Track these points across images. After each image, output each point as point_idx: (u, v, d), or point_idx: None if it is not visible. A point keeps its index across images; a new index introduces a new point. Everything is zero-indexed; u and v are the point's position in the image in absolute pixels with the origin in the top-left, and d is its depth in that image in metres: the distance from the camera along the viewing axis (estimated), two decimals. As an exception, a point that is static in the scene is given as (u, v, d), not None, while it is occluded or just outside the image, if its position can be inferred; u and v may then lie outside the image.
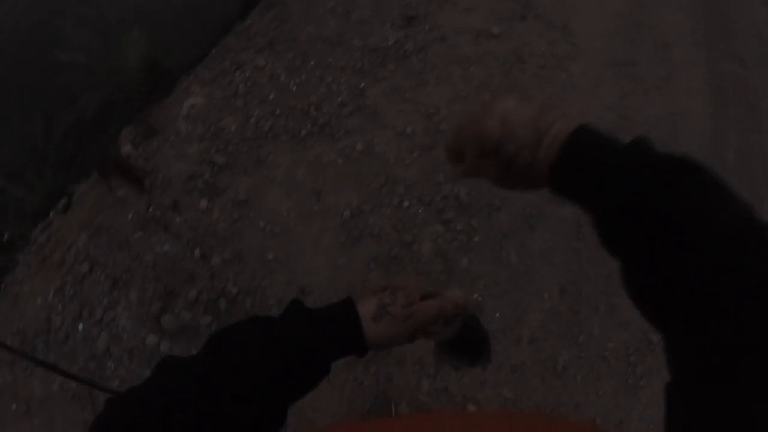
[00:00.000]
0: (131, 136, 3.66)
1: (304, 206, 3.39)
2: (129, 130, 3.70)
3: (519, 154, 0.72)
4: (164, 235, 3.32)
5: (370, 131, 3.64)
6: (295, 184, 3.46)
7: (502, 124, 0.73)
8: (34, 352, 3.02)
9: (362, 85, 3.84)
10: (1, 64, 4.46)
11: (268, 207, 3.39)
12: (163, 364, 0.70)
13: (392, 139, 3.59)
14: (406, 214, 3.35)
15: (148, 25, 4.15)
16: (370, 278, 3.18)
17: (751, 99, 4.91)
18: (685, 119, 4.29)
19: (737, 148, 4.35)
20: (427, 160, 3.51)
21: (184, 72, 4.06)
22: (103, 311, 3.10)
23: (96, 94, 3.94)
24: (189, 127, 3.70)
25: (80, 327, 3.06)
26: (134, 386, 0.65)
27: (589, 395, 2.94)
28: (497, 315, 3.10)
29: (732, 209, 0.59)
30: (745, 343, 0.49)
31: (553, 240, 3.31)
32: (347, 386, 2.85)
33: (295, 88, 3.83)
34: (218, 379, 0.67)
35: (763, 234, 0.55)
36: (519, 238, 3.31)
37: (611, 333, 3.11)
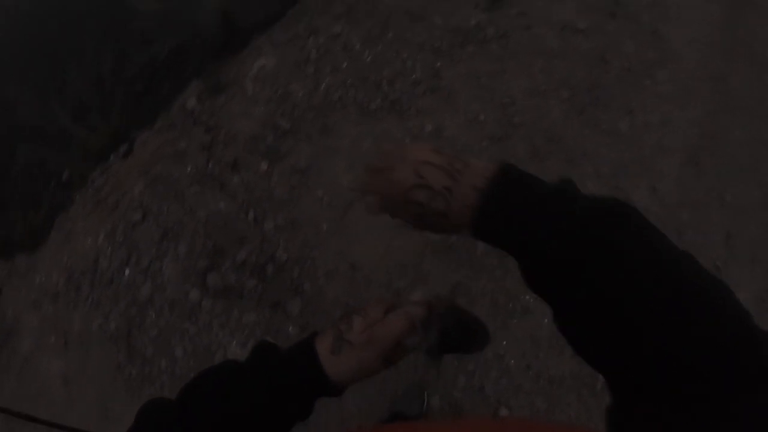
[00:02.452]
0: (199, 89, 3.62)
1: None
2: (197, 82, 3.66)
3: (432, 203, 0.71)
4: (220, 193, 3.27)
5: (441, 113, 3.50)
6: (359, 157, 3.34)
7: (414, 174, 0.72)
8: (79, 289, 3.01)
9: (438, 64, 3.70)
10: (73, 3, 4.51)
11: (329, 177, 3.29)
12: (145, 410, 0.71)
13: (463, 125, 3.44)
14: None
15: None
16: (423, 264, 3.04)
17: None
18: None
19: None
20: (497, 150, 3.34)
21: (258, 30, 4.01)
22: (150, 260, 3.07)
23: (169, 41, 3.94)
24: (257, 87, 3.64)
25: (126, 272, 3.04)
26: None
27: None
28: (545, 321, 2.93)
29: (658, 258, 0.58)
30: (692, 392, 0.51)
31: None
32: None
33: (369, 59, 3.72)
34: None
35: (688, 283, 0.56)
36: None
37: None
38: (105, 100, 3.70)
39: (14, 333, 3.11)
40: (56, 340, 2.94)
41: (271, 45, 3.86)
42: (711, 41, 4.37)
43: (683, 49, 4.13)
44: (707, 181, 3.46)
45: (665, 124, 3.57)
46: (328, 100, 3.57)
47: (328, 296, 2.87)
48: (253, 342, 2.22)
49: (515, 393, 2.70)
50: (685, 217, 3.24)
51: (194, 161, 3.37)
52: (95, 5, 4.58)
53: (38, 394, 2.93)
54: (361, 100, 3.56)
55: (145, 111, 3.67)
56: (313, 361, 0.72)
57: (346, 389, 0.75)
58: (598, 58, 3.80)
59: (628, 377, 0.58)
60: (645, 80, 3.79)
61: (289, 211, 3.19)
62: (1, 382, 3.07)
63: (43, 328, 3.01)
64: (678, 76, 3.91)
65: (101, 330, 2.91)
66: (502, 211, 0.66)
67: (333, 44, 3.81)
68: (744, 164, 3.63)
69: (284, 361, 0.73)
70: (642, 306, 0.55)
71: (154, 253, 3.08)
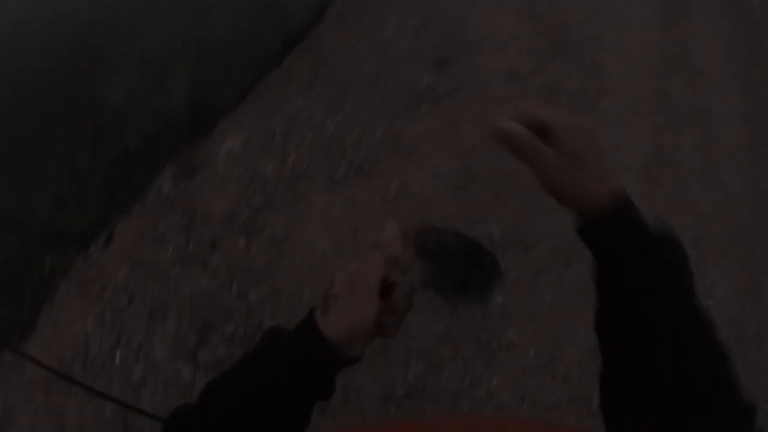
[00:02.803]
0: (172, 173, 3.78)
1: (340, 243, 3.43)
2: (171, 167, 3.82)
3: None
4: (202, 271, 3.37)
5: (405, 172, 3.71)
6: (332, 222, 3.51)
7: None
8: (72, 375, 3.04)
9: (397, 125, 3.96)
10: (51, 95, 4.69)
11: (305, 244, 3.43)
12: (169, 418, 0.74)
13: (426, 180, 3.65)
14: (440, 252, 3.36)
15: (190, 64, 4.39)
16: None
17: None
18: (722, 150, 4.33)
19: None
20: (462, 198, 3.56)
21: (224, 112, 4.24)
22: (140, 341, 3.12)
23: (140, 129, 4.11)
24: (228, 167, 3.81)
25: (117, 354, 3.09)
26: None
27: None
28: (532, 352, 3.07)
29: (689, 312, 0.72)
30: None
31: (588, 276, 3.28)
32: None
33: (331, 129, 3.96)
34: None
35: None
36: (554, 275, 3.30)
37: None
38: (82, 191, 3.82)
39: (8, 425, 3.09)
40: (52, 430, 2.93)
41: (238, 126, 4.08)
42: (650, 62, 4.77)
43: (624, 75, 4.55)
44: (665, 192, 3.75)
45: (617, 147, 3.89)
46: (296, 172, 3.76)
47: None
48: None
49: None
50: None
51: (174, 243, 3.48)
52: (67, 98, 4.76)
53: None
54: (327, 169, 3.76)
55: (122, 199, 3.80)
56: (312, 327, 0.70)
57: (359, 353, 0.73)
58: (545, 96, 4.11)
59: (629, 376, 0.71)
60: (591, 111, 4.15)
61: (271, 282, 3.30)
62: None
63: (38, 419, 3.00)
64: (622, 100, 4.30)
65: (97, 415, 2.92)
66: (635, 222, 0.76)
67: (296, 118, 4.05)
68: (698, 170, 3.97)
69: (289, 337, 0.73)
70: (668, 338, 0.69)
71: (143, 334, 3.14)
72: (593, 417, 2.85)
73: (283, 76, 4.50)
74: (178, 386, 2.98)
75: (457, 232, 0.77)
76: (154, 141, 4.08)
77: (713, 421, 0.64)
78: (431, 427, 0.70)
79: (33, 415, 3.04)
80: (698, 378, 0.66)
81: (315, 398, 0.73)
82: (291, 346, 0.72)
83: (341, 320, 0.70)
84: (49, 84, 4.98)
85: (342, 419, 2.74)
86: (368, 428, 0.89)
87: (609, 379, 0.77)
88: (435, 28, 4.70)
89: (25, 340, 3.31)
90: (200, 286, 3.31)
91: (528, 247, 3.39)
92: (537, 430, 0.77)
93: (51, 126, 4.39)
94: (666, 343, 0.68)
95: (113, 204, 3.79)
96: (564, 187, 0.74)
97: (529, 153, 0.73)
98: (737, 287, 3.43)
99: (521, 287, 3.26)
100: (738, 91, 4.99)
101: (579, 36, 4.83)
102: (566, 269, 3.32)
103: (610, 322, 0.78)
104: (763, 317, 3.40)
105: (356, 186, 3.67)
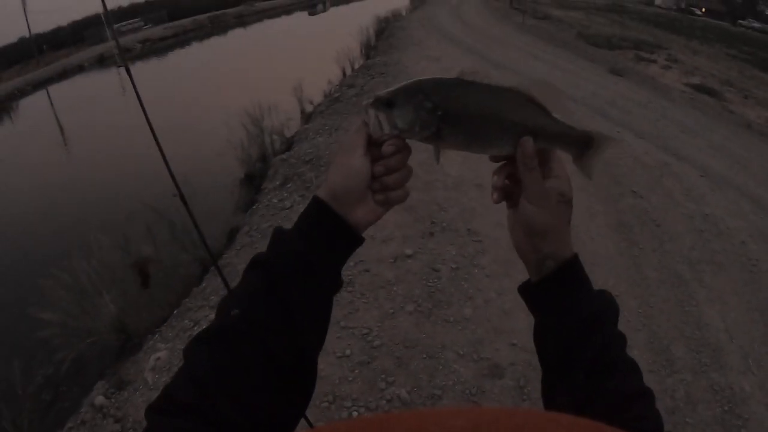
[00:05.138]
0: (104, 387, 4.01)
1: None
2: (102, 382, 4.06)
3: None
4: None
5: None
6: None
7: None
8: None
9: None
10: None
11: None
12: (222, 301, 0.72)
13: (334, 363, 3.96)
14: (354, 424, 3.58)
15: (117, 290, 4.85)
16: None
17: (655, 217, 5.96)
18: (600, 264, 5.05)
19: (657, 265, 5.09)
20: (368, 373, 3.87)
21: (149, 331, 4.66)
22: None
23: (71, 349, 4.38)
24: (155, 377, 4.06)
25: None
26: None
27: None
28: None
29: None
30: None
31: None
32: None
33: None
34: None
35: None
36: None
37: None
38: (16, 410, 3.95)
39: None
40: None
41: (163, 340, 4.43)
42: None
43: (494, 232, 5.29)
44: None
45: (501, 294, 4.45)
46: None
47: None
48: None
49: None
50: None
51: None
52: (2, 315, 5.05)
53: None
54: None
55: (55, 415, 3.96)
56: (311, 202, 0.75)
57: (362, 218, 0.76)
58: (430, 270, 4.69)
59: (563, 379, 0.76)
60: (473, 269, 4.77)
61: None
62: None
63: None
64: (498, 254, 4.97)
65: None
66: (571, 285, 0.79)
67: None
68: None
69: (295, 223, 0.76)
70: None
71: None
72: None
73: (201, 294, 4.99)
74: None
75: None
76: (85, 360, 4.34)
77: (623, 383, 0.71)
78: (434, 417, 0.76)
79: None
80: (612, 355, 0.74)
81: (328, 277, 0.74)
82: (297, 225, 0.75)
83: (336, 175, 0.74)
84: None
85: None
86: (369, 421, 0.90)
87: (546, 375, 0.82)
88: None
89: None
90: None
91: (436, 398, 3.65)
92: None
93: None
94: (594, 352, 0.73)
95: (47, 421, 3.93)
96: (548, 223, 0.78)
97: (536, 174, 0.76)
98: (651, 367, 3.91)
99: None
100: (602, 210, 6.03)
101: (452, 213, 5.71)
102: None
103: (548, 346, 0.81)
104: (686, 380, 3.87)
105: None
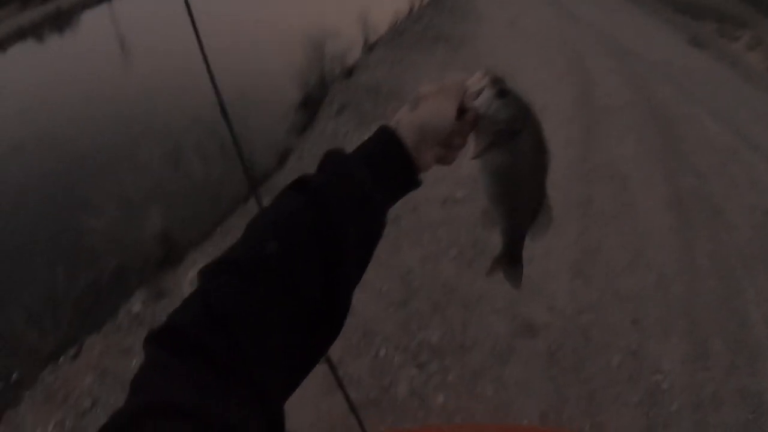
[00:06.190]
0: (143, 296, 4.11)
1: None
2: (141, 291, 4.16)
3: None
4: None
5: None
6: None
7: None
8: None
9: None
10: (32, 220, 5.12)
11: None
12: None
13: (370, 299, 3.97)
14: (383, 361, 3.59)
15: (164, 202, 4.94)
16: (350, 421, 3.32)
17: (715, 203, 5.54)
18: (651, 239, 4.78)
19: (710, 252, 4.80)
20: (402, 313, 3.87)
21: (192, 245, 4.71)
22: (98, 446, 3.22)
23: (114, 257, 4.49)
24: (192, 290, 4.13)
25: (73, 457, 3.17)
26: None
27: None
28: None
29: None
30: None
31: (527, 371, 3.51)
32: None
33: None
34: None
35: None
36: (493, 373, 3.50)
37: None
38: (56, 310, 4.11)
39: None
40: None
41: (205, 256, 4.49)
42: (573, 175, 5.31)
43: (551, 190, 5.05)
44: (598, 284, 4.11)
45: (546, 254, 4.30)
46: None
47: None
48: None
49: None
50: (585, 319, 3.81)
51: (139, 356, 3.68)
52: (50, 223, 5.22)
53: None
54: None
55: (94, 318, 4.09)
56: (385, 129, 0.74)
57: (425, 163, 0.76)
58: (478, 217, 4.59)
59: None
60: None
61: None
62: None
63: None
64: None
65: None
66: None
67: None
68: (627, 260, 4.36)
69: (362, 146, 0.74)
70: None
71: (102, 437, 3.24)
72: None
73: (246, 213, 4.96)
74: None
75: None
76: (128, 268, 4.45)
77: None
78: None
79: None
80: None
81: (382, 214, 0.70)
82: (360, 152, 0.73)
83: (424, 113, 0.74)
84: (35, 208, 5.49)
85: None
86: None
87: None
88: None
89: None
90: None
91: (466, 349, 3.63)
92: None
93: (31, 247, 4.80)
94: None
95: (85, 323, 4.06)
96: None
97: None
98: (685, 357, 3.69)
99: (461, 387, 3.44)
100: (661, 183, 5.64)
101: None
102: (505, 366, 3.54)
103: None
104: (717, 378, 3.62)
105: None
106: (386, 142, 0.73)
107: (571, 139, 6.13)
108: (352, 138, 6.13)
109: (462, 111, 0.78)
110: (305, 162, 5.83)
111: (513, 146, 0.80)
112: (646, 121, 7.14)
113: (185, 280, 4.25)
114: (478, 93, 0.78)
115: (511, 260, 0.96)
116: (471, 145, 0.82)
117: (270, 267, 0.58)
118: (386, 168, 0.71)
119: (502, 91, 0.78)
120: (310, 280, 0.60)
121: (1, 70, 14.10)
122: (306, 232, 0.61)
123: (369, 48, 10.17)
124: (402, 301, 3.94)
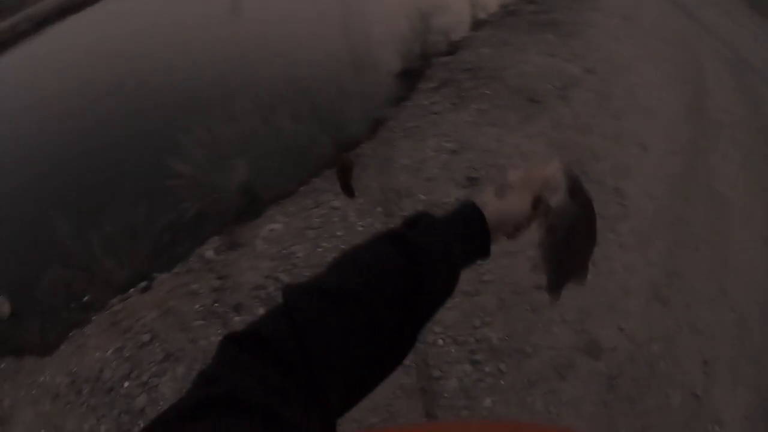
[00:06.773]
0: (216, 243, 4.21)
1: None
2: (216, 238, 4.26)
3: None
4: (222, 329, 3.63)
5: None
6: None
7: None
8: (79, 393, 3.24)
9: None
10: (123, 156, 5.32)
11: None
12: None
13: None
14: (439, 351, 3.51)
15: (251, 156, 5.00)
16: (395, 404, 3.29)
17: None
18: (740, 275, 4.42)
19: None
20: (468, 305, 3.76)
21: (273, 201, 4.76)
22: (149, 377, 3.34)
23: (196, 202, 4.61)
24: (265, 246, 4.19)
25: (126, 384, 3.29)
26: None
27: None
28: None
29: None
30: None
31: (583, 390, 3.35)
32: None
33: (361, 228, 4.32)
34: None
35: None
36: (548, 386, 3.35)
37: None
38: (134, 243, 4.28)
39: (6, 422, 3.27)
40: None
41: (283, 213, 4.54)
42: (672, 189, 4.99)
43: (643, 201, 4.76)
44: (675, 313, 3.81)
45: (628, 269, 4.04)
46: (323, 261, 4.09)
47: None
48: None
49: None
50: (656, 349, 3.55)
51: (203, 301, 3.79)
52: (140, 158, 5.41)
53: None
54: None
55: (168, 257, 4.24)
56: (473, 207, 0.87)
57: (497, 241, 0.89)
58: None
59: None
60: (608, 234, 4.34)
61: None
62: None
63: (37, 423, 3.18)
64: (639, 225, 4.49)
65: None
66: None
67: (332, 215, 4.46)
68: (711, 293, 4.04)
69: (447, 215, 0.86)
70: None
71: (154, 371, 3.36)
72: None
73: (330, 177, 4.99)
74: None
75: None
76: (207, 214, 4.56)
77: None
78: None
79: (32, 421, 3.22)
80: None
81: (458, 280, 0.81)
82: (453, 223, 0.84)
83: (508, 205, 0.89)
84: (127, 145, 5.71)
85: None
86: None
87: None
88: (469, 152, 5.19)
89: (48, 354, 3.58)
90: (217, 342, 3.53)
91: (525, 355, 3.49)
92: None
93: (119, 181, 5.00)
94: None
95: (159, 259, 4.21)
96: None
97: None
98: (749, 413, 3.42)
99: (512, 394, 3.32)
100: (762, 215, 5.22)
101: (604, 165, 5.18)
102: (561, 381, 3.40)
103: None
104: None
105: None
106: (475, 221, 0.86)
107: (674, 150, 5.72)
108: (448, 116, 5.98)
109: (537, 199, 0.91)
110: (396, 135, 5.73)
111: (570, 235, 0.93)
112: (756, 143, 6.64)
113: (260, 234, 4.31)
114: (554, 187, 0.90)
115: (551, 294, 1.00)
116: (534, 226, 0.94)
117: (356, 301, 0.66)
118: (471, 242, 0.84)
119: (573, 189, 0.90)
120: (391, 320, 0.69)
121: (105, 13, 14.63)
122: (396, 280, 0.70)
123: (476, 25, 9.83)
124: (469, 293, 3.84)
